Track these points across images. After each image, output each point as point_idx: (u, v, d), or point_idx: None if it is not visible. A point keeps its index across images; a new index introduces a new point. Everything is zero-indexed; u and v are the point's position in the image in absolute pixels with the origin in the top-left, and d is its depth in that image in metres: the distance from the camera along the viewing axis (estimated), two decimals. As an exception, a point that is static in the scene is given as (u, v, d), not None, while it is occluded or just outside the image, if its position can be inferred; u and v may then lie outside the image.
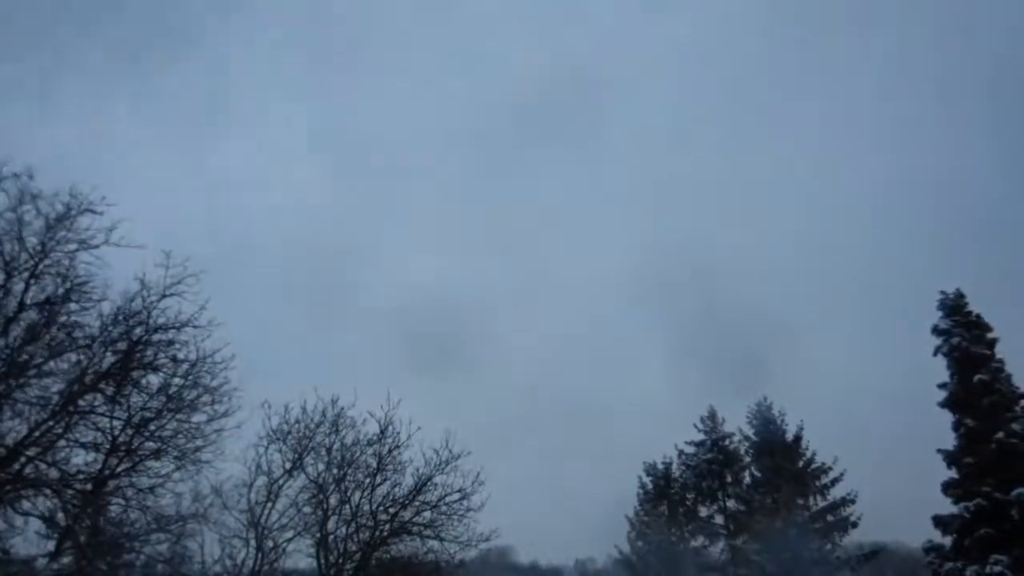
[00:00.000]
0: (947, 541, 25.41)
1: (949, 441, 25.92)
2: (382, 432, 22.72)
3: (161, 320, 16.88)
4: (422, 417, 22.98)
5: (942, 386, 26.13)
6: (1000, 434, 24.61)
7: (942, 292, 27.09)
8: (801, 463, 33.76)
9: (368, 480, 23.00)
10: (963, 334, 26.10)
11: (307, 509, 22.66)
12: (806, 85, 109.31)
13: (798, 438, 34.12)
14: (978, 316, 26.53)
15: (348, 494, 23.02)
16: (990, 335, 26.28)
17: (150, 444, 17.44)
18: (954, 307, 26.74)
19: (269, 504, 21.80)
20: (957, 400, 25.77)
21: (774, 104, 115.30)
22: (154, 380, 17.21)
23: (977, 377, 25.50)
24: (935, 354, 26.41)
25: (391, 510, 23.08)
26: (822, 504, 33.23)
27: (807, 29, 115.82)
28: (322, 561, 22.56)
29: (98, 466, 17.10)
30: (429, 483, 22.91)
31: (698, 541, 34.80)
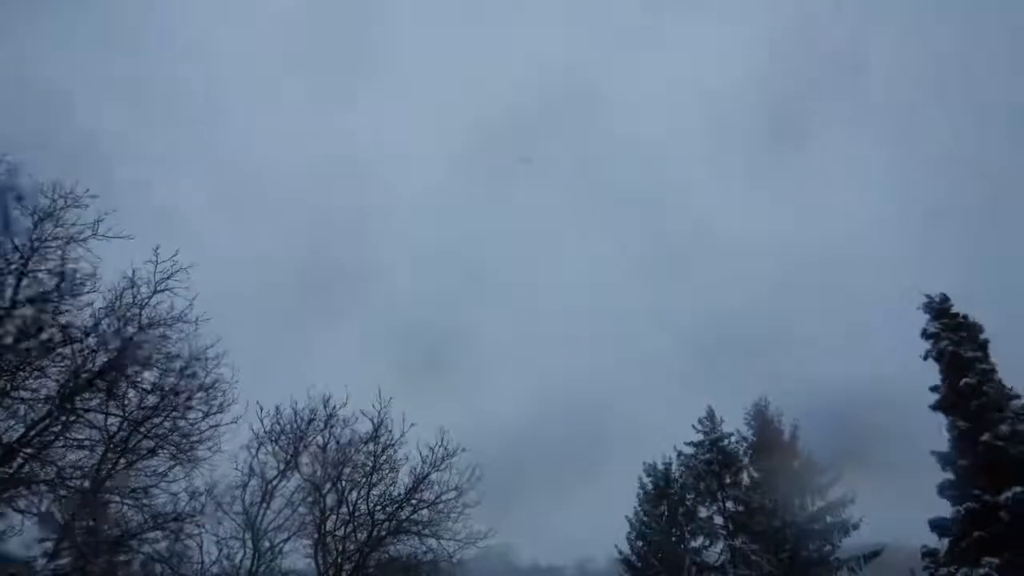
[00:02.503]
0: (943, 544, 25.34)
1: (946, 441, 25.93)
2: (376, 430, 22.83)
3: (154, 316, 17.00)
4: (421, 418, 23.10)
5: (934, 389, 26.10)
6: (987, 436, 24.55)
7: (927, 296, 26.98)
8: (797, 463, 33.70)
9: (364, 479, 23.08)
10: (951, 337, 26.01)
11: (303, 509, 22.76)
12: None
13: (795, 438, 34.10)
14: (965, 317, 26.35)
15: (345, 494, 23.10)
16: (982, 336, 26.14)
17: (146, 442, 17.57)
18: (940, 310, 26.61)
19: (264, 505, 21.89)
20: (948, 403, 25.72)
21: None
22: (148, 377, 17.35)
23: (964, 380, 25.41)
24: (925, 358, 26.31)
25: (388, 509, 23.16)
26: (820, 505, 33.14)
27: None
28: (320, 561, 22.61)
29: (94, 464, 17.22)
30: (426, 481, 23.02)
31: (698, 541, 34.73)
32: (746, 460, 34.66)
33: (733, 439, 34.88)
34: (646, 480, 36.16)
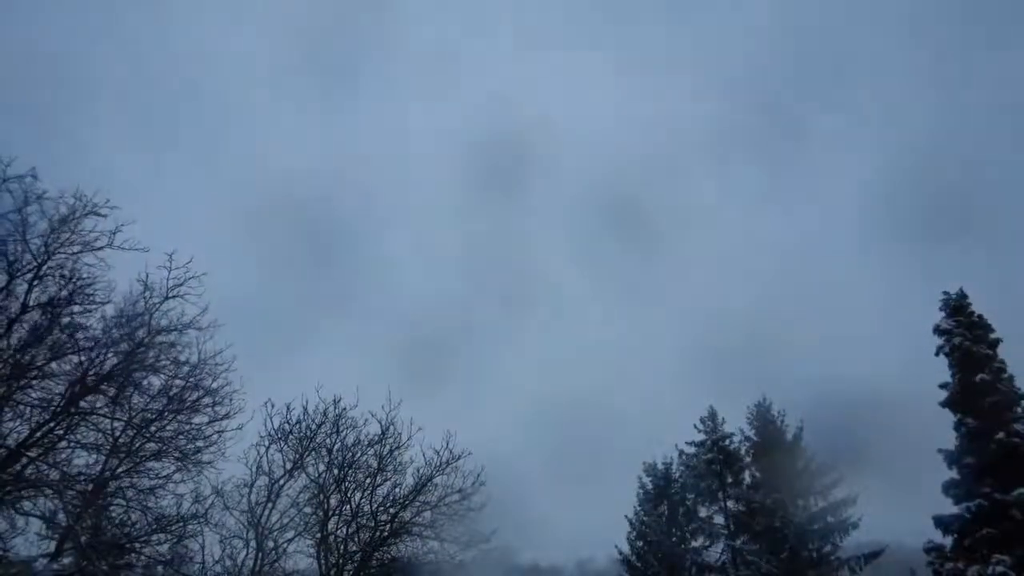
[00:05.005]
0: (947, 541, 25.44)
1: (950, 441, 25.96)
2: (383, 433, 22.80)
3: (163, 322, 16.98)
4: (424, 421, 23.03)
5: (943, 386, 26.14)
6: (1001, 434, 24.61)
7: (945, 292, 27.07)
8: (801, 463, 33.75)
9: (369, 480, 23.06)
10: (965, 334, 26.06)
11: (307, 509, 22.72)
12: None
13: (798, 438, 34.15)
14: (980, 316, 26.46)
15: (349, 494, 23.08)
16: (992, 335, 26.24)
17: (151, 445, 17.52)
18: (956, 307, 26.68)
19: (269, 504, 21.86)
20: (958, 400, 25.72)
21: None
22: (155, 382, 17.31)
23: (979, 377, 25.44)
24: (937, 354, 26.39)
25: (391, 510, 23.14)
26: (822, 505, 33.21)
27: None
28: (322, 562, 22.58)
29: (99, 467, 17.15)
30: (429, 483, 22.99)
31: (698, 541, 34.80)
32: (748, 460, 34.70)
33: (735, 439, 34.95)
34: (646, 480, 36.28)
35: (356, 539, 23.25)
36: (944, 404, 26.01)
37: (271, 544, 21.87)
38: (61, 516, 16.58)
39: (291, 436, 22.36)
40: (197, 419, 17.69)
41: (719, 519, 34.43)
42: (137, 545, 17.80)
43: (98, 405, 16.74)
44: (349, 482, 23.05)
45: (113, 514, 17.64)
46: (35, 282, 15.71)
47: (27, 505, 16.37)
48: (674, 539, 35.01)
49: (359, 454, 22.95)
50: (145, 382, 17.04)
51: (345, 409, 22.63)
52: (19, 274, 15.61)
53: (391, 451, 22.90)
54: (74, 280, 15.94)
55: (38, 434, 16.16)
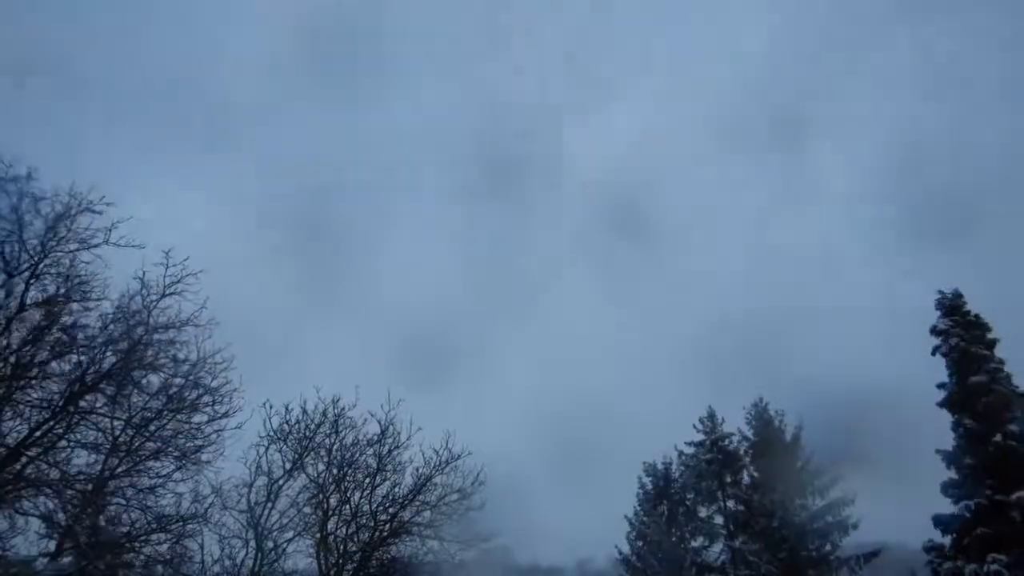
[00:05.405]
0: (947, 541, 25.48)
1: (949, 441, 25.98)
2: (382, 432, 22.78)
3: (162, 319, 16.97)
4: (424, 420, 23.04)
5: (941, 386, 26.18)
6: (998, 437, 24.64)
7: (940, 292, 27.11)
8: (799, 463, 33.76)
9: (368, 480, 23.04)
10: (961, 334, 26.07)
11: (307, 509, 22.71)
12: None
13: (796, 438, 34.15)
14: (976, 316, 26.49)
15: (348, 494, 23.06)
16: (989, 335, 26.27)
17: (150, 444, 17.51)
18: (952, 307, 26.72)
19: (269, 504, 21.85)
20: (956, 400, 25.75)
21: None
22: (155, 380, 17.29)
23: (975, 378, 25.49)
24: (933, 354, 26.41)
25: (391, 510, 23.12)
26: (821, 504, 33.22)
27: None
28: (322, 561, 22.57)
29: (99, 466, 17.14)
30: (429, 483, 22.98)
31: (698, 541, 34.79)
32: (747, 460, 34.70)
33: (734, 439, 34.93)
34: (646, 480, 36.29)
35: (356, 539, 23.22)
36: (942, 404, 26.04)
37: (270, 544, 21.86)
38: (60, 515, 16.59)
39: (290, 436, 22.35)
40: (196, 418, 17.67)
41: (718, 519, 34.45)
42: (136, 544, 17.76)
43: (97, 404, 16.72)
44: (348, 482, 23.03)
45: (112, 513, 17.60)
46: (32, 280, 15.72)
47: (27, 504, 16.35)
48: (674, 539, 35.01)
49: (358, 454, 22.93)
50: (144, 380, 17.03)
51: (344, 409, 22.61)
52: (16, 272, 15.63)
53: (390, 451, 22.89)
54: (71, 277, 15.95)
55: (37, 433, 16.14)
